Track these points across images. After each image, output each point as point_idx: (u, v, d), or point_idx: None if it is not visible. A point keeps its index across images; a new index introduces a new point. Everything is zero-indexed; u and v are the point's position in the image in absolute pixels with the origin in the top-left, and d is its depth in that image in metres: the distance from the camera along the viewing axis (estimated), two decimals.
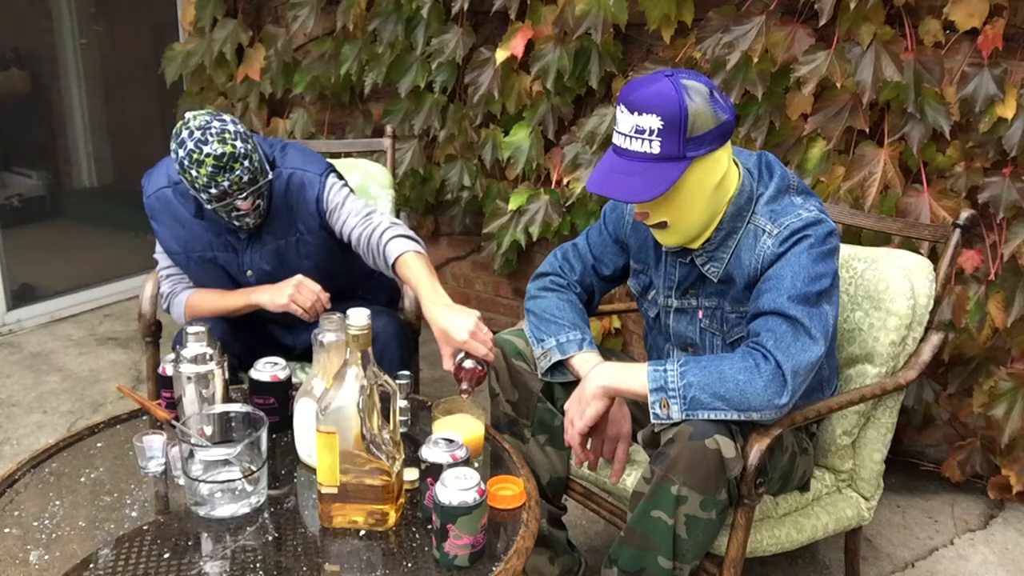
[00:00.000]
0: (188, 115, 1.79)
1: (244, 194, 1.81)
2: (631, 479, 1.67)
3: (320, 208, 1.94)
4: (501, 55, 2.74)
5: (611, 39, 2.58)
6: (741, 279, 1.51)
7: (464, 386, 1.57)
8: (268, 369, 1.62)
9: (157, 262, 2.05)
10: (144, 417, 1.68)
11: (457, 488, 1.23)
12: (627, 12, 2.51)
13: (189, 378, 1.52)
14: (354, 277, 2.08)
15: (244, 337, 1.99)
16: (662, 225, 1.50)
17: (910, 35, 2.19)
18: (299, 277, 1.90)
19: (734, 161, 1.52)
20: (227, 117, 1.80)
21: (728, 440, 1.38)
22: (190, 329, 1.53)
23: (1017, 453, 2.25)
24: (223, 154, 1.74)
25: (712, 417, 1.39)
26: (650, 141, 1.39)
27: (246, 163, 1.78)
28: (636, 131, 1.40)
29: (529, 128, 2.83)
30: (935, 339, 1.70)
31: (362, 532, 1.33)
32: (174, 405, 1.57)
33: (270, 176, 1.88)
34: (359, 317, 1.27)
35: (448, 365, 1.60)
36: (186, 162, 1.75)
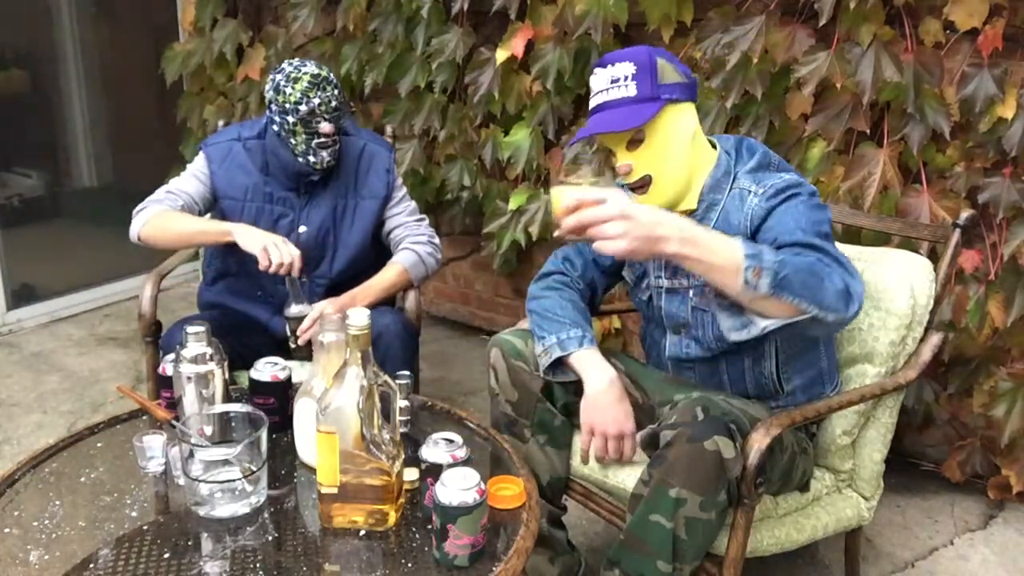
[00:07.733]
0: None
1: (329, 117, 1.94)
2: (631, 479, 1.67)
3: (389, 180, 2.11)
4: (501, 55, 2.74)
5: (611, 39, 2.58)
6: None
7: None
8: (268, 369, 1.62)
9: (157, 262, 2.05)
10: (144, 417, 1.68)
11: (457, 488, 1.23)
12: (627, 12, 2.52)
13: (189, 378, 1.52)
14: (371, 267, 2.10)
15: (244, 337, 1.99)
16: (645, 182, 1.53)
17: (910, 35, 2.19)
18: (282, 238, 1.92)
19: (711, 143, 1.59)
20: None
21: (728, 441, 1.38)
22: (190, 329, 1.53)
23: (1017, 453, 2.25)
24: (318, 74, 1.93)
25: (792, 303, 1.31)
26: (626, 86, 1.50)
27: (336, 91, 1.96)
28: (612, 81, 1.51)
29: (529, 128, 2.83)
30: (935, 339, 1.70)
31: (362, 532, 1.33)
32: (174, 405, 1.57)
33: (350, 112, 2.05)
34: (359, 317, 1.27)
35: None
36: (283, 82, 1.92)
